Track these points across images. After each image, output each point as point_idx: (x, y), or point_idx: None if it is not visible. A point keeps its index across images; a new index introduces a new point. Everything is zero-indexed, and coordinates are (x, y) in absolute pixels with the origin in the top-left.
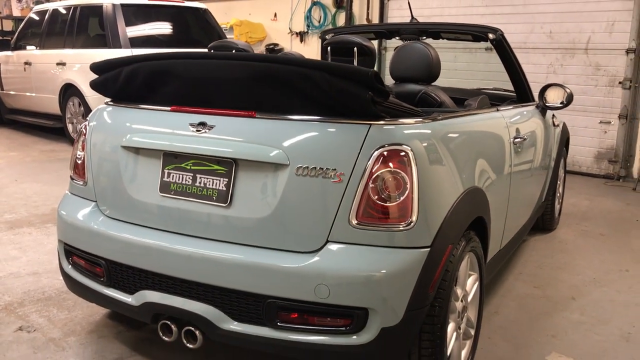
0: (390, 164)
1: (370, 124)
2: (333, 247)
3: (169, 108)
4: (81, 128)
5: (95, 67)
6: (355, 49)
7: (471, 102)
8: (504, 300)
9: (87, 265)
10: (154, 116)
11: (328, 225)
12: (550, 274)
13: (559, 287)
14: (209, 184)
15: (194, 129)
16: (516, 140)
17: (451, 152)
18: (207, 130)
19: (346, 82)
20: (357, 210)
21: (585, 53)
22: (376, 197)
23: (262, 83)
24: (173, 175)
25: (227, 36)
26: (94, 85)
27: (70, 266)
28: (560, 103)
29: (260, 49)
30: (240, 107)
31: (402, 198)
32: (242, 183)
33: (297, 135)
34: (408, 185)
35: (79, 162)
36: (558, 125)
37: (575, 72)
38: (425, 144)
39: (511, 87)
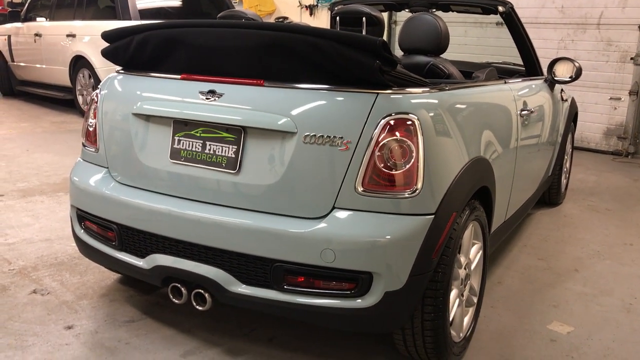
0: (397, 133)
1: (378, 93)
2: (339, 213)
3: (179, 76)
4: (92, 96)
5: (106, 36)
6: (363, 18)
7: (479, 74)
8: (508, 272)
9: (99, 230)
10: (165, 84)
11: (335, 192)
12: (555, 246)
13: (562, 260)
14: (218, 151)
15: (204, 97)
16: (523, 112)
17: (457, 122)
18: (216, 98)
19: (354, 50)
20: (364, 177)
21: (597, 28)
22: (382, 165)
23: (270, 51)
24: (183, 142)
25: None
26: (105, 53)
27: (82, 231)
28: (569, 77)
29: None
30: (249, 76)
31: (407, 166)
32: (251, 150)
33: (305, 104)
34: (414, 154)
35: (91, 129)
36: (566, 100)
37: (587, 47)
38: (431, 114)
39: (521, 62)
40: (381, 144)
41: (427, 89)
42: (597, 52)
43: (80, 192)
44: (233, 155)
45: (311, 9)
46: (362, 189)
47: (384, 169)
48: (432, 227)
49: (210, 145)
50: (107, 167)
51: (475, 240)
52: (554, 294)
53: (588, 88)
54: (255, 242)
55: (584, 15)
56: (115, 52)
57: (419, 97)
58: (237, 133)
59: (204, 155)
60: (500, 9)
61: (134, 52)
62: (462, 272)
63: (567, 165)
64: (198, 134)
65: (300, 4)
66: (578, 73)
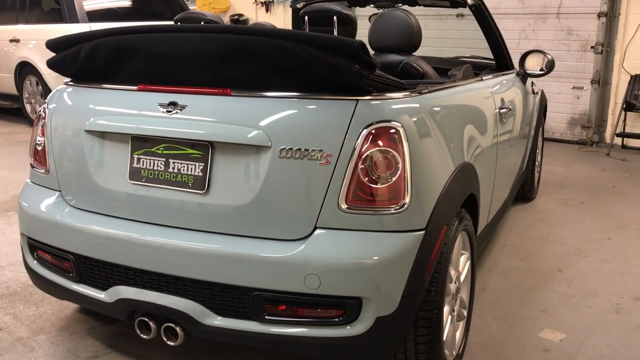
0: (380, 143)
1: (357, 100)
2: (322, 233)
3: (135, 87)
4: (40, 111)
5: (52, 45)
6: (334, 17)
7: (455, 72)
8: (490, 275)
9: (54, 260)
10: (119, 96)
11: (316, 211)
12: (534, 245)
13: (544, 259)
14: (184, 170)
15: (164, 110)
16: (502, 110)
17: (441, 127)
18: (178, 111)
19: (330, 54)
20: (347, 193)
21: (557, 18)
22: (366, 178)
23: (237, 57)
24: (143, 161)
25: (190, 7)
26: (51, 64)
27: (35, 261)
28: (540, 70)
29: (224, 20)
30: (213, 85)
31: (394, 179)
32: (220, 167)
33: (278, 114)
34: (400, 165)
35: (39, 148)
36: (537, 93)
37: (548, 37)
38: (415, 120)
39: (485, 54)
40: (364, 155)
41: (408, 93)
42: (558, 41)
43: (31, 218)
44: (200, 174)
45: (267, 5)
46: (345, 206)
47: (368, 183)
48: (423, 244)
49: (174, 163)
50: (60, 190)
51: (463, 251)
52: (540, 297)
53: (551, 78)
54: (229, 269)
55: (544, 5)
56: (63, 62)
57: (400, 102)
58: (204, 149)
59: (167, 174)
60: (470, 1)
61: (84, 62)
62: (452, 287)
63: (539, 159)
64: (160, 151)
65: (256, 0)
66: (550, 65)
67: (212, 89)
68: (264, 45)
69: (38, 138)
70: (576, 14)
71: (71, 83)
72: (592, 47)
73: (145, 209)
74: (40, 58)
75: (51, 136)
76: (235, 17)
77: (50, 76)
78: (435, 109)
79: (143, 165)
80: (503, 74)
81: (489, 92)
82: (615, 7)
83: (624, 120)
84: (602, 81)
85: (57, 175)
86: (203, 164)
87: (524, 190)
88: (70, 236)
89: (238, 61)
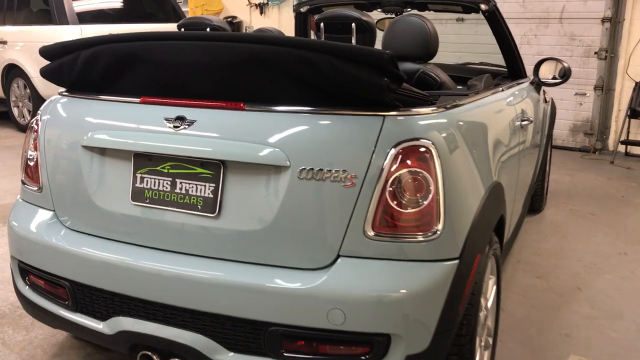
0: (410, 162)
1: (384, 116)
2: (346, 262)
3: (137, 99)
4: (32, 123)
5: (46, 52)
6: (353, 24)
7: (476, 82)
8: (508, 295)
9: (47, 287)
10: (121, 109)
11: (339, 237)
12: (549, 261)
13: (561, 276)
14: (192, 191)
15: (171, 125)
16: (523, 122)
17: (469, 144)
18: (186, 126)
19: (355, 66)
20: (373, 218)
21: (559, 23)
22: (395, 202)
23: (250, 68)
24: (147, 181)
25: (182, 9)
26: (45, 73)
27: (27, 287)
28: (557, 78)
29: None
30: (224, 98)
31: (425, 202)
32: (233, 189)
33: (296, 130)
34: (432, 187)
35: (31, 163)
36: (548, 102)
37: (550, 42)
38: (444, 136)
39: (487, 59)
40: (393, 177)
41: (435, 108)
42: (561, 47)
43: (22, 240)
44: (211, 195)
45: (261, 7)
46: (372, 233)
47: (397, 208)
48: (457, 275)
49: (181, 183)
50: (54, 210)
51: (491, 275)
52: (562, 319)
53: None
54: (242, 301)
55: (546, 10)
56: (59, 71)
57: (429, 118)
58: (215, 168)
59: (174, 195)
60: (483, 7)
61: (82, 71)
62: (482, 315)
63: (547, 168)
64: (166, 170)
65: (250, 2)
66: (566, 73)
67: (223, 102)
68: (281, 56)
69: (30, 152)
70: (579, 19)
71: (66, 93)
72: (595, 53)
73: (148, 233)
74: (28, 60)
75: (45, 150)
76: (229, 19)
77: (39, 79)
78: (461, 124)
79: (147, 185)
80: (519, 83)
81: (511, 103)
82: (620, 12)
83: (628, 128)
84: (605, 87)
85: (51, 193)
86: (214, 185)
87: (534, 201)
88: (66, 261)
89: (251, 72)
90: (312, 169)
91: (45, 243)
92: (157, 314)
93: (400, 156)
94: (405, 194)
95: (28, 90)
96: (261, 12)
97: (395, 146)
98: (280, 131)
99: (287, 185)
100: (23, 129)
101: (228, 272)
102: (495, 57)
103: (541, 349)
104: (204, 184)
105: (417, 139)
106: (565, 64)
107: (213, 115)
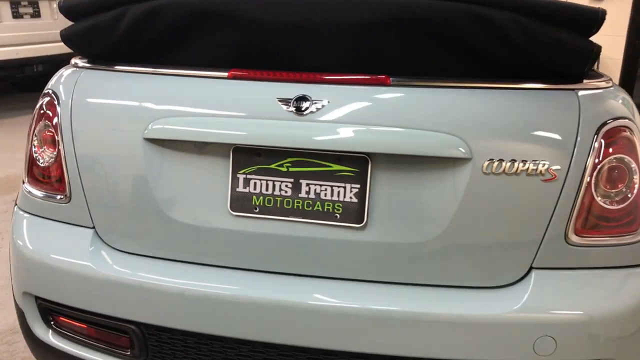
0: (615, 148)
1: (576, 90)
2: (543, 276)
3: (225, 73)
4: (43, 102)
5: (68, 8)
6: None
7: None
8: None
9: (95, 333)
10: (203, 86)
11: (534, 246)
12: None
13: None
14: (326, 194)
15: (289, 108)
16: None
17: None
18: (315, 110)
19: (558, 29)
20: (577, 220)
21: None
22: (603, 199)
23: (399, 30)
24: (255, 183)
25: None
26: (68, 36)
27: (51, 332)
28: None
29: None
30: (362, 70)
31: (631, 196)
32: (385, 191)
33: (476, 112)
34: (636, 177)
35: (46, 163)
36: None
37: None
38: (635, 114)
39: None
40: (599, 167)
41: (608, 78)
42: None
43: (44, 270)
44: (354, 200)
45: None
46: (576, 238)
47: (606, 205)
48: None
49: (308, 185)
50: (93, 227)
51: None
52: None
53: None
54: (417, 337)
55: None
56: (92, 35)
57: (617, 92)
58: (359, 164)
59: (298, 202)
60: None
61: (129, 34)
62: None
63: None
64: (284, 169)
65: None
66: None
67: (362, 76)
68: (446, 13)
69: (44, 148)
70: None
71: (98, 66)
72: None
73: (260, 254)
74: None
75: (74, 146)
76: None
77: None
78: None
79: (255, 189)
80: None
81: None
82: None
83: None
84: None
85: (89, 205)
86: (358, 186)
87: None
88: (131, 297)
89: (400, 36)
90: (501, 160)
91: (92, 274)
92: None
93: (605, 141)
94: (614, 187)
95: None
96: None
97: (599, 129)
98: (451, 113)
99: (467, 183)
100: None
101: (387, 300)
102: None
103: None
104: (343, 185)
105: (619, 119)
106: None
107: (347, 93)
